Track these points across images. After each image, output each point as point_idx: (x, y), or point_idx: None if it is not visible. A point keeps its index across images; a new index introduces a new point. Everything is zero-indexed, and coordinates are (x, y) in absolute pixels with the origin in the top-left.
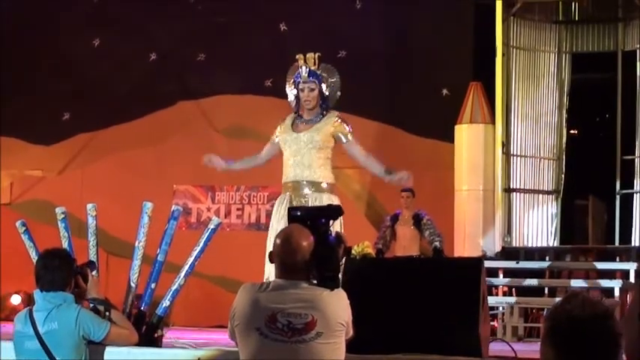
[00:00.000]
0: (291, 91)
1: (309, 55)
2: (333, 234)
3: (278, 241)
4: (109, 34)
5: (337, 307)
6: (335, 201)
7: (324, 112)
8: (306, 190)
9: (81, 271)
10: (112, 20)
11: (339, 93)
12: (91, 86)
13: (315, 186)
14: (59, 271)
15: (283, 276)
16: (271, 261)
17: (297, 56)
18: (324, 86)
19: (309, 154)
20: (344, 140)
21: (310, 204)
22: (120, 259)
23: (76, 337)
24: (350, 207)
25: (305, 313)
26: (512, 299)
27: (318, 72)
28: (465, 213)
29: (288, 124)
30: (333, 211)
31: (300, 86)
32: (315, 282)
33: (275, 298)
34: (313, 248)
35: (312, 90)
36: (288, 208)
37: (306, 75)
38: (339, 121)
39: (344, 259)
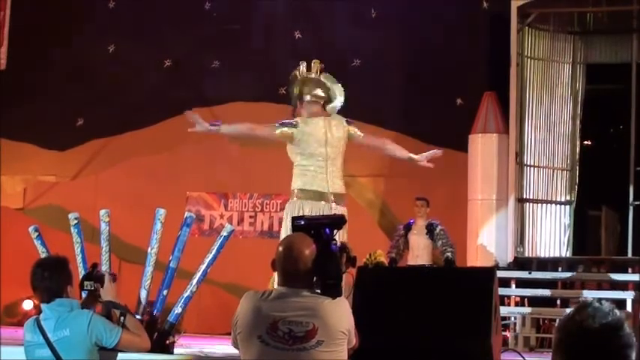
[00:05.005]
0: (294, 97)
1: (315, 61)
2: (338, 243)
3: (280, 249)
4: (123, 40)
5: (339, 315)
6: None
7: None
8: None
9: (97, 275)
10: (126, 26)
11: (341, 99)
12: (105, 92)
13: (337, 197)
14: (49, 281)
15: (285, 284)
16: (273, 269)
17: (299, 62)
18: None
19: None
20: (360, 134)
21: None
22: (132, 266)
23: (88, 343)
24: (363, 215)
25: (306, 322)
26: (525, 309)
27: (321, 78)
28: (477, 222)
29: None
30: (337, 221)
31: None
32: (317, 290)
33: (276, 306)
34: (315, 257)
35: (315, 95)
36: (292, 218)
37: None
38: (346, 122)
39: (350, 268)
